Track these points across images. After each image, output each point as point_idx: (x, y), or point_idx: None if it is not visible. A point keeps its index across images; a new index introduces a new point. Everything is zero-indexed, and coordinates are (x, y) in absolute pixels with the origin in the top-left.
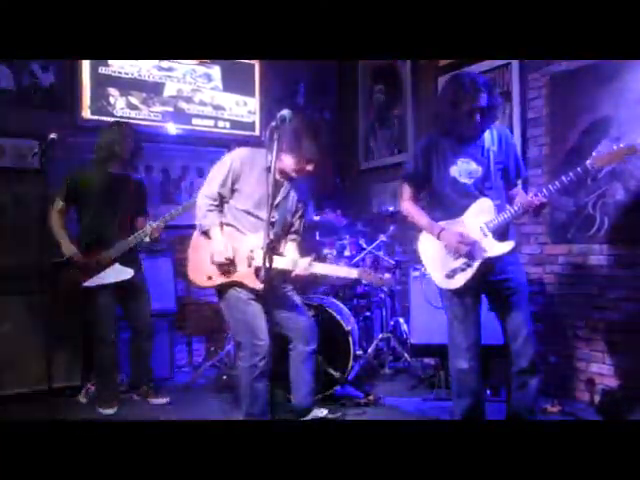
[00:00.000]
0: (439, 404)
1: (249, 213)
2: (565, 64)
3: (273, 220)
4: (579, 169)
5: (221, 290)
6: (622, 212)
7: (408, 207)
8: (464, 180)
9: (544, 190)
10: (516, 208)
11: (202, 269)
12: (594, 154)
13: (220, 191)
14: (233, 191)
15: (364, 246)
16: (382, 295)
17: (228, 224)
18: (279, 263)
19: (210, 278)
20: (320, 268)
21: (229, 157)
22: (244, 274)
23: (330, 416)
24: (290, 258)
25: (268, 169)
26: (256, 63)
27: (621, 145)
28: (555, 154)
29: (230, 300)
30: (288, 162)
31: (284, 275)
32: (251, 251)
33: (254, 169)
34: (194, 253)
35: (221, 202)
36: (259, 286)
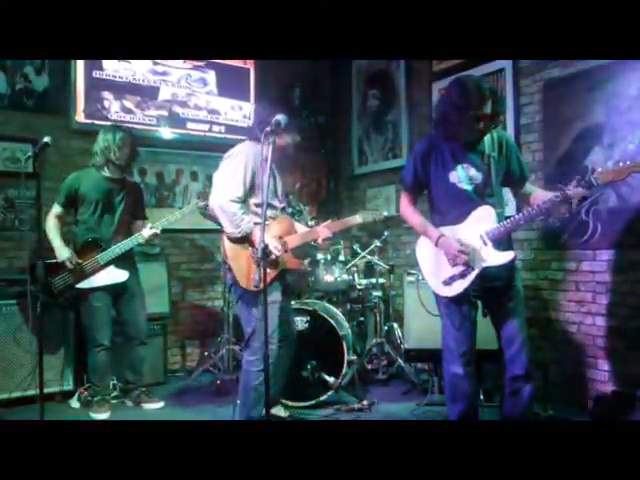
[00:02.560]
0: (433, 409)
1: (268, 205)
2: (558, 70)
3: (283, 206)
4: (583, 183)
5: (252, 290)
6: (615, 218)
7: (407, 212)
8: (464, 186)
9: (548, 202)
10: (517, 218)
11: (251, 274)
12: (599, 169)
13: (244, 191)
14: (251, 188)
15: (358, 251)
16: (376, 300)
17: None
18: (304, 237)
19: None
20: (334, 226)
21: (241, 156)
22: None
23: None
24: (311, 230)
25: (266, 159)
26: (251, 68)
27: (627, 162)
28: (548, 160)
29: (256, 301)
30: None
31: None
32: (280, 237)
33: (262, 162)
34: (237, 261)
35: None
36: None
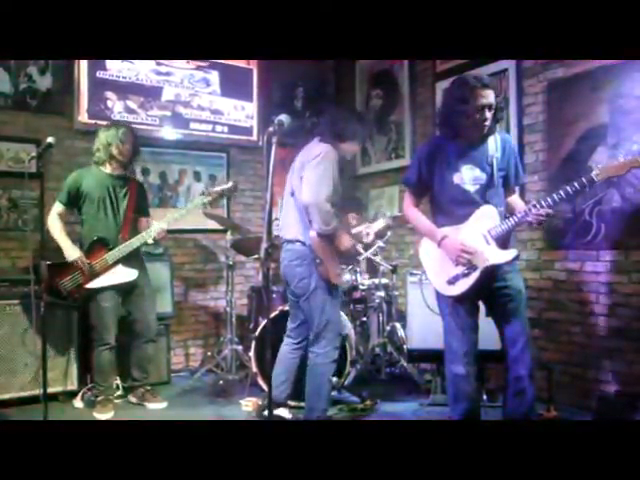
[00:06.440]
0: (435, 409)
1: (336, 204)
2: (562, 71)
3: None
4: (584, 179)
5: (334, 284)
6: (618, 219)
7: (411, 213)
8: (468, 187)
9: (548, 199)
10: (519, 216)
11: (335, 268)
12: (599, 165)
13: (333, 191)
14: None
15: (361, 251)
16: (379, 300)
17: None
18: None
19: (342, 273)
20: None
21: (328, 157)
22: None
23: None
24: (359, 232)
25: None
26: (254, 68)
27: (628, 157)
28: (552, 160)
29: (337, 293)
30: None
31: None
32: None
33: (337, 165)
34: (327, 254)
35: None
36: None
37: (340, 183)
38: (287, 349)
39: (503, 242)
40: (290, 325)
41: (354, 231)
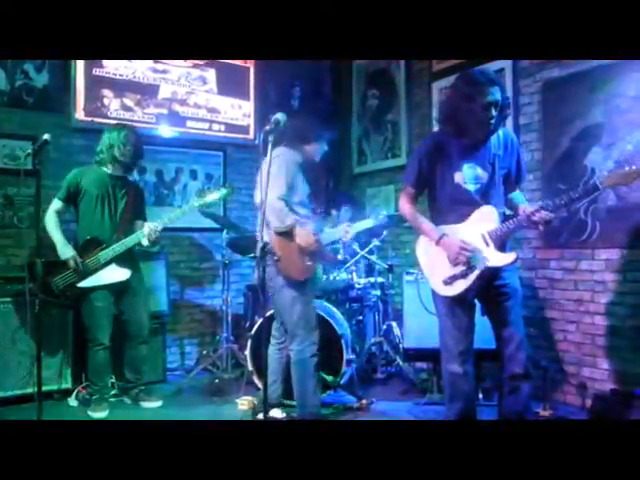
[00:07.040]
0: (431, 408)
1: (302, 203)
2: (557, 71)
3: (314, 207)
4: (588, 186)
5: (297, 280)
6: (613, 218)
7: (407, 211)
8: (468, 186)
9: (550, 203)
10: (519, 219)
11: (296, 264)
12: (605, 173)
13: (287, 190)
14: (290, 188)
15: (357, 250)
16: (375, 299)
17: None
18: (334, 235)
19: (307, 270)
20: (357, 227)
21: (281, 159)
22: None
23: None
24: (339, 229)
25: (300, 165)
26: (251, 66)
27: (633, 167)
28: (547, 160)
29: (305, 290)
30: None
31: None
32: (314, 234)
33: (298, 166)
34: (285, 253)
35: None
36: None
37: (302, 182)
38: (273, 349)
39: (501, 243)
40: (274, 325)
41: (331, 230)
